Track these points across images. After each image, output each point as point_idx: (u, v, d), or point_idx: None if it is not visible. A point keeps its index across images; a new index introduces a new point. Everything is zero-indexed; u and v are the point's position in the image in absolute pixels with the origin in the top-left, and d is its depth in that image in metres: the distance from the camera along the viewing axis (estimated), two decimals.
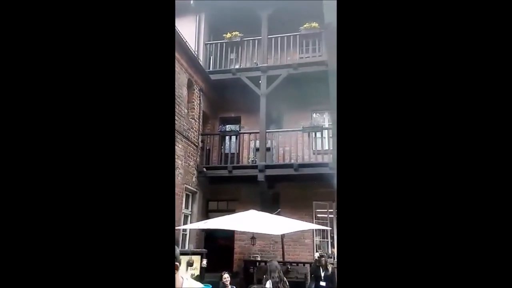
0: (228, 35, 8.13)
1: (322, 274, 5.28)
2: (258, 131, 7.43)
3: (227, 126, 8.33)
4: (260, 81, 7.62)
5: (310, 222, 7.01)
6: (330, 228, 7.11)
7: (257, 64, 7.89)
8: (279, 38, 7.82)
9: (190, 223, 6.95)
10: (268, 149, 7.45)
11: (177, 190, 6.37)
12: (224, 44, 8.17)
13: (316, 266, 5.51)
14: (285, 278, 4.80)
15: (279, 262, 5.52)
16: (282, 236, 6.65)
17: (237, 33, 8.10)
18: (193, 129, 7.34)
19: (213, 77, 7.97)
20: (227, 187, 7.73)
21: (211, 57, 8.40)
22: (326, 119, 7.90)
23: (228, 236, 7.46)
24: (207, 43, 8.44)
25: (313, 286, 5.38)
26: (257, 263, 6.68)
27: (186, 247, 6.66)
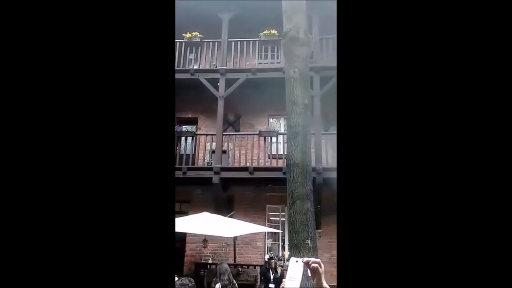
0: (188, 35, 8.04)
1: (271, 276, 5.39)
2: (215, 133, 7.42)
3: (183, 126, 8.22)
4: (218, 83, 7.63)
5: (262, 225, 7.11)
6: (282, 231, 7.27)
7: (216, 66, 7.89)
8: (239, 42, 7.89)
9: None
10: (224, 152, 7.46)
11: None
12: (184, 43, 8.07)
13: (266, 268, 5.61)
14: (234, 281, 4.83)
15: (230, 264, 5.54)
16: (235, 238, 6.68)
17: (197, 33, 8.05)
18: None
19: None
20: (180, 188, 7.59)
21: None
22: (282, 124, 8.09)
23: (179, 238, 7.34)
24: None
25: None
26: (208, 266, 6.64)
27: None
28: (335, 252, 7.16)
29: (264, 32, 7.87)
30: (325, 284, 1.11)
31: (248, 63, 7.86)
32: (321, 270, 1.10)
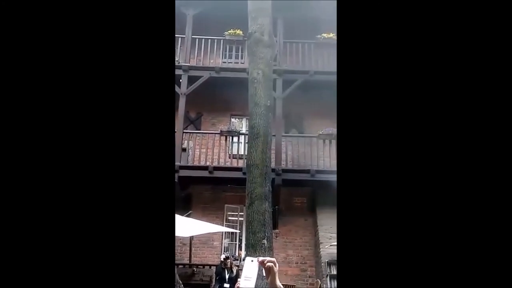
0: None
1: (227, 276, 5.39)
2: (175, 130, 7.27)
3: None
4: (181, 80, 7.49)
5: (220, 224, 7.09)
6: (239, 231, 7.29)
7: (179, 62, 7.74)
8: (203, 40, 7.79)
9: None
10: (184, 150, 7.33)
11: None
12: None
13: (221, 268, 5.60)
14: (180, 281, 4.76)
15: (185, 264, 5.45)
16: (191, 238, 6.59)
17: None
18: None
19: None
20: None
21: None
22: (244, 125, 8.12)
23: None
24: None
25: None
26: None
27: None
28: (290, 252, 7.32)
29: (229, 31, 7.85)
30: (278, 283, 1.12)
31: (212, 61, 7.79)
32: (276, 269, 1.11)
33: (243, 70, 7.17)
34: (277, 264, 1.13)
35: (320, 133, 7.21)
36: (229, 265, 5.42)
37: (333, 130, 7.21)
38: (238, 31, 7.80)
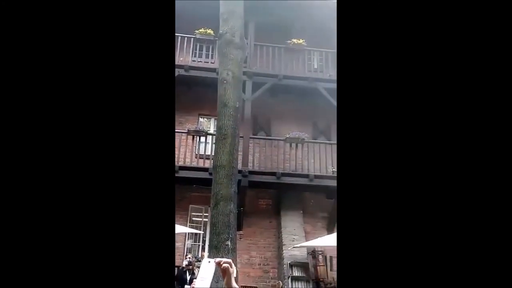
0: None
1: (188, 278, 5.32)
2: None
3: None
4: None
5: (184, 225, 6.98)
6: (203, 232, 7.22)
7: None
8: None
9: None
10: None
11: None
12: None
13: (182, 271, 5.51)
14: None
15: None
16: None
17: None
18: None
19: None
20: None
21: None
22: (212, 125, 8.07)
23: None
24: None
25: None
26: None
27: None
28: (254, 253, 7.35)
29: (200, 30, 7.78)
30: (234, 284, 1.13)
31: (181, 59, 7.67)
32: (232, 270, 1.12)
33: (213, 70, 7.13)
34: (233, 266, 1.14)
35: (287, 136, 7.33)
36: (190, 267, 5.35)
37: (299, 134, 7.35)
38: (209, 31, 7.75)
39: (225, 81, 5.71)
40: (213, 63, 7.68)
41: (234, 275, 1.13)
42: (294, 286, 6.53)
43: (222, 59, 5.98)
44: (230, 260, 1.15)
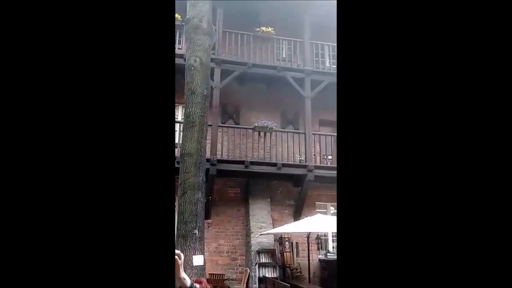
0: None
1: None
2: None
3: None
4: None
5: None
6: None
7: None
8: None
9: None
10: None
11: None
12: None
13: None
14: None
15: None
16: None
17: None
18: None
19: None
20: None
21: None
22: (180, 113, 7.89)
23: None
24: None
25: None
26: None
27: None
28: (222, 242, 7.38)
29: None
30: (183, 274, 1.18)
31: None
32: (180, 262, 1.17)
33: (180, 56, 6.94)
34: (182, 256, 1.19)
35: (256, 125, 7.34)
36: None
37: (268, 122, 7.39)
38: (176, 15, 7.50)
39: (192, 68, 5.58)
40: (180, 48, 7.46)
41: (182, 266, 1.18)
42: (261, 273, 6.65)
43: (189, 45, 5.82)
44: (178, 252, 1.20)
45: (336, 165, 7.70)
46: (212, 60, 6.66)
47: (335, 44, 7.99)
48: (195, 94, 5.46)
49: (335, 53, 8.12)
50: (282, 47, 8.25)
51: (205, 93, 5.57)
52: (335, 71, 7.75)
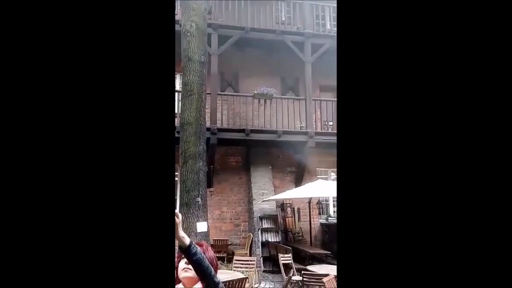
0: None
1: None
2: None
3: None
4: None
5: None
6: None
7: None
8: None
9: None
10: None
11: None
12: None
13: None
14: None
15: None
16: None
17: None
18: None
19: None
20: None
21: None
22: (177, 81, 7.75)
23: None
24: None
25: None
26: None
27: None
28: (225, 209, 7.52)
29: None
30: (181, 233, 1.23)
31: None
32: (178, 221, 1.21)
33: (175, 21, 6.68)
34: (179, 216, 1.24)
35: (256, 92, 7.22)
36: None
37: (268, 89, 7.27)
38: None
39: (188, 34, 5.39)
40: (175, 14, 7.18)
41: (180, 225, 1.23)
42: (264, 237, 6.83)
43: (184, 9, 5.60)
44: (176, 211, 1.24)
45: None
46: (209, 25, 6.42)
47: (336, 5, 7.68)
48: (192, 61, 5.32)
49: (336, 15, 7.83)
50: (281, 10, 7.93)
51: (203, 60, 5.42)
52: (336, 34, 7.51)
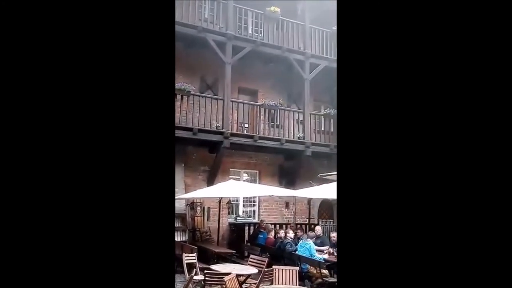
0: None
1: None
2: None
3: None
4: None
5: None
6: None
7: None
8: None
9: None
10: None
11: None
12: None
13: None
14: None
15: None
16: None
17: None
18: None
19: None
20: None
21: None
22: None
23: None
24: None
25: None
26: None
27: None
28: None
29: None
30: None
31: None
32: None
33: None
34: None
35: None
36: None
37: (185, 85, 7.09)
38: None
39: None
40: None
41: None
42: None
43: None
44: None
45: (251, 133, 7.85)
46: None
47: (259, 11, 7.92)
48: None
49: (258, 21, 8.07)
50: (205, 7, 7.83)
51: None
52: (257, 39, 7.73)
